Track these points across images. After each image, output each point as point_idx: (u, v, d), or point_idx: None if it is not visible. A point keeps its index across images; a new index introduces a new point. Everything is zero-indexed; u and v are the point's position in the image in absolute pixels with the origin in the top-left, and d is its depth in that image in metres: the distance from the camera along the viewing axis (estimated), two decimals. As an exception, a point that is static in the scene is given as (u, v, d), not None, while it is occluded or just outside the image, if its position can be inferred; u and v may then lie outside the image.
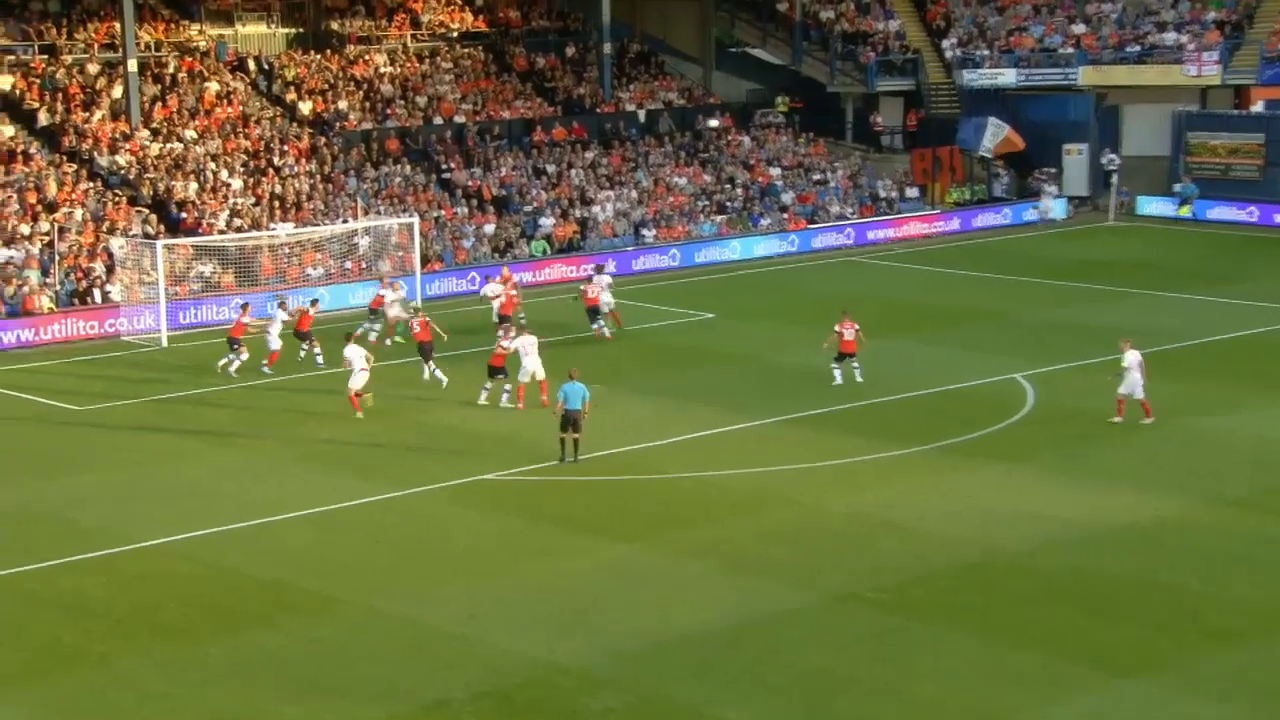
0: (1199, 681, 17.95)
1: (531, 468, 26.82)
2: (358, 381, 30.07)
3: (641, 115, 55.72)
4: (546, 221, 48.16)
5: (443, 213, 47.30)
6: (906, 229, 52.48)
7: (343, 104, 50.90)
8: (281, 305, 34.76)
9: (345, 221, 44.00)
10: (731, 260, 48.23)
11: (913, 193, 55.54)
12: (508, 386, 30.88)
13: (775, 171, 54.42)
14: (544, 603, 20.69)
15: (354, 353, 30.42)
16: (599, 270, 39.35)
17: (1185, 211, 53.16)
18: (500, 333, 31.92)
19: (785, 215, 51.78)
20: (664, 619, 20.06)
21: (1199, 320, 37.27)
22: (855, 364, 31.49)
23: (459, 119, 52.38)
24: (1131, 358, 28.43)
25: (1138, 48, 56.95)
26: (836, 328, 31.49)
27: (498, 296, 36.93)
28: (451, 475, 26.36)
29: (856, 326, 31.48)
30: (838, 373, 31.42)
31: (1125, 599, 20.35)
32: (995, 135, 54.42)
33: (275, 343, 33.81)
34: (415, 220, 42.78)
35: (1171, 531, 22.88)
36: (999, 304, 40.56)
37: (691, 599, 20.72)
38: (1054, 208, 54.18)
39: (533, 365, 30.58)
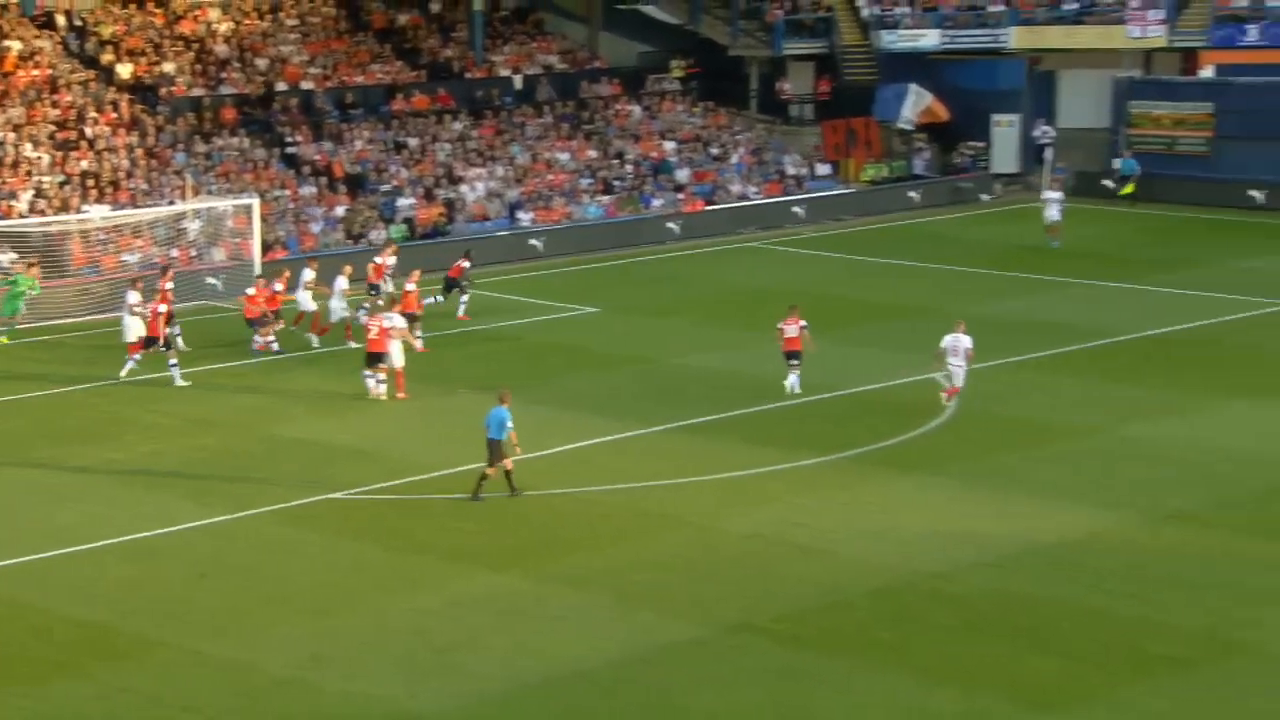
0: (1131, 716, 18.40)
1: (388, 484, 26.75)
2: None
3: (517, 82, 55.74)
4: (406, 203, 47.98)
5: (287, 193, 46.94)
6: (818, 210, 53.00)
7: (169, 67, 50.30)
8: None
9: (171, 203, 43.44)
10: (620, 247, 48.42)
11: (824, 169, 56.20)
12: (379, 376, 31.54)
13: (669, 146, 54.76)
14: (399, 642, 20.65)
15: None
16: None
17: (1129, 190, 53.55)
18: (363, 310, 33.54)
19: (681, 195, 52.14)
20: (538, 658, 20.14)
21: (1140, 312, 38.17)
22: (794, 367, 31.61)
23: (306, 85, 51.99)
24: (949, 341, 30.10)
25: (1075, 6, 58.12)
26: (780, 324, 31.78)
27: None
28: (294, 495, 26.22)
29: (803, 323, 31.71)
30: (792, 378, 31.46)
31: (1052, 626, 20.81)
32: (916, 104, 55.22)
33: (308, 304, 36.13)
34: (255, 202, 42.38)
35: (1104, 551, 23.42)
36: (918, 295, 41.14)
37: (569, 635, 20.83)
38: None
39: (390, 349, 31.60)
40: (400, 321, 32.29)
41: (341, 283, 36.27)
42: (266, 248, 42.71)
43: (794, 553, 23.55)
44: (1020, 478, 26.74)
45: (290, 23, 54.51)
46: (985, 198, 56.21)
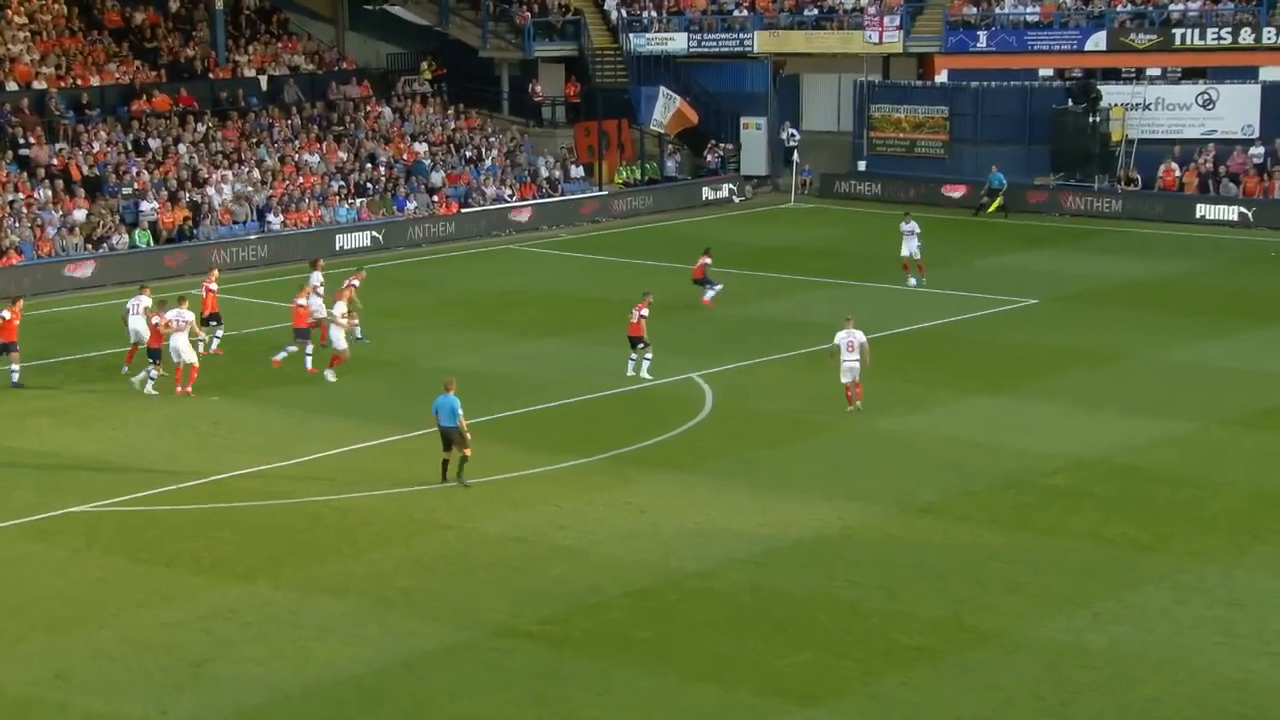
0: (884, 706, 18.90)
1: (134, 496, 26.02)
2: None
3: (263, 82, 54.66)
4: (149, 206, 46.64)
5: (20, 196, 45.19)
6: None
7: (-109, 64, 47.96)
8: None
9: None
10: (374, 250, 47.90)
11: (578, 172, 56.44)
12: (153, 373, 31.50)
13: (421, 148, 54.35)
14: (150, 656, 20.09)
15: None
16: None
17: (995, 208, 52.63)
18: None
19: (435, 198, 51.80)
20: (297, 668, 19.80)
21: (886, 311, 39.24)
22: (632, 355, 32.78)
23: (38, 85, 50.12)
24: (842, 337, 30.10)
25: (815, 11, 59.58)
26: (633, 308, 32.98)
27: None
28: (36, 508, 25.31)
29: (645, 313, 32.72)
30: (631, 363, 32.82)
31: (807, 620, 21.24)
32: (666, 108, 55.74)
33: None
34: (-15, 205, 40.77)
35: (857, 543, 24.02)
36: (673, 296, 41.61)
37: (329, 643, 20.51)
38: None
39: (177, 343, 31.60)
40: (188, 315, 31.89)
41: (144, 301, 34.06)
42: (0, 252, 41.10)
43: (555, 554, 23.58)
44: (777, 473, 27.24)
45: (19, 20, 52.48)
46: (736, 199, 57.22)
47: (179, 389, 31.75)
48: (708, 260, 40.30)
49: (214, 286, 35.78)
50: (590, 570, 22.96)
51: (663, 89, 56.26)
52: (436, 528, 24.70)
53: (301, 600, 21.85)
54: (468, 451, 26.08)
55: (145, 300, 33.52)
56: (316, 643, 20.49)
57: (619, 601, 21.83)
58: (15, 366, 32.60)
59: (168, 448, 28.80)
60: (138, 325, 33.22)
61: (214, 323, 35.12)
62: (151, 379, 31.76)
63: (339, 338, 33.34)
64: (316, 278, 36.00)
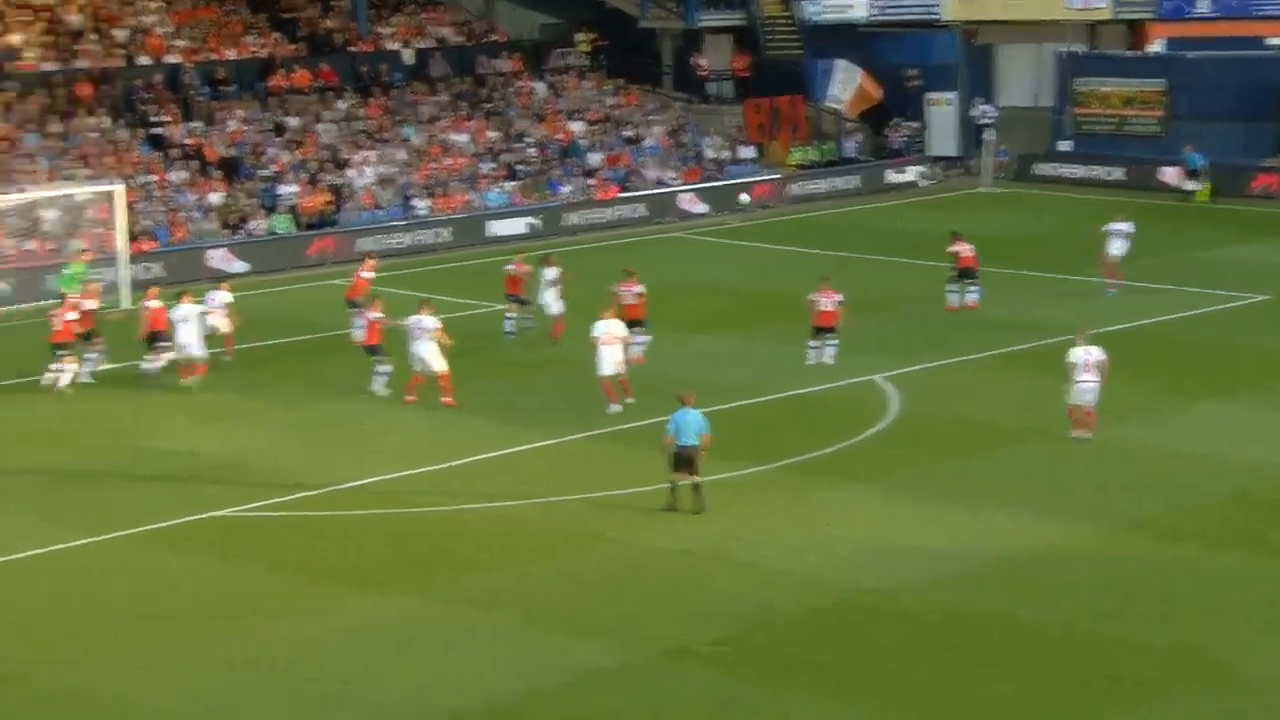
0: (1103, 745, 18.52)
1: (274, 501, 26.42)
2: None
3: (408, 56, 55.37)
4: (289, 190, 47.45)
5: (154, 179, 46.29)
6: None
7: (15, 38, 49.41)
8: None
9: (23, 190, 42.71)
10: (530, 238, 48.17)
11: (747, 153, 56.26)
12: (381, 369, 31.95)
13: (578, 127, 54.58)
14: (290, 673, 20.33)
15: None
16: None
17: (1205, 196, 51.90)
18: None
19: (592, 181, 51.99)
20: (444, 688, 19.89)
21: (1093, 308, 38.52)
22: (831, 343, 33.10)
23: (172, 59, 51.30)
24: (1078, 355, 28.68)
25: (1013, -27, 58.78)
26: (811, 295, 33.20)
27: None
28: (171, 513, 25.79)
29: (839, 297, 33.04)
30: (811, 351, 33.24)
31: (1010, 646, 20.85)
32: (846, 84, 55.22)
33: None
34: (119, 188, 41.73)
35: (1063, 564, 23.53)
36: (851, 290, 41.24)
37: (480, 662, 20.58)
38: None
39: (421, 351, 31.33)
40: (429, 323, 31.46)
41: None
42: (133, 238, 42.10)
43: (727, 570, 23.45)
44: (971, 485, 26.86)
45: (152, -10, 53.84)
46: (923, 183, 56.63)
47: (409, 398, 31.43)
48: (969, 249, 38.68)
49: (368, 275, 36.09)
50: (764, 587, 22.81)
51: (841, 62, 55.79)
52: (596, 540, 24.72)
53: (450, 616, 21.98)
54: (698, 479, 25.52)
55: (193, 307, 32.70)
56: (465, 661, 20.57)
57: (797, 621, 21.65)
58: (93, 355, 33.07)
59: (301, 452, 29.21)
60: (187, 338, 32.39)
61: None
62: (380, 376, 31.89)
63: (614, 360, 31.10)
64: (552, 273, 36.18)
